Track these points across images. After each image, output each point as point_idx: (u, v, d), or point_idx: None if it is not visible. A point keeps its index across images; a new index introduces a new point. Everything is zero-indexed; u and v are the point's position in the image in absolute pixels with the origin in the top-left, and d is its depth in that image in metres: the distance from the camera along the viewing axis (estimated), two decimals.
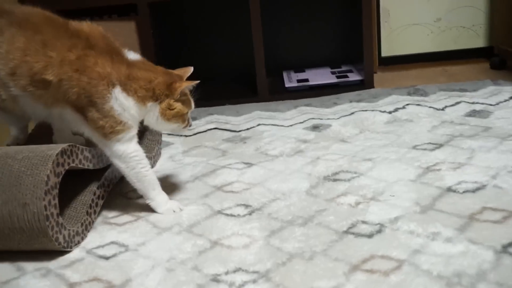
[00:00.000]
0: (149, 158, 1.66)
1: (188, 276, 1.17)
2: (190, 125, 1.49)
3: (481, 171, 1.50)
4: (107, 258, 1.29)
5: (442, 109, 2.08)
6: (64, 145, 1.31)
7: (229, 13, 2.77)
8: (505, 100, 2.11)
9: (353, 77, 2.59)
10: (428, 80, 2.56)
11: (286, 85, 2.58)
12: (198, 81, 1.43)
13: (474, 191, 1.39)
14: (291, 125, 2.10)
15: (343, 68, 2.75)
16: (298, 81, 2.61)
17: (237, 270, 1.17)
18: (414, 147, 1.74)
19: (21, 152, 1.30)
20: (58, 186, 1.28)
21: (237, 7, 2.69)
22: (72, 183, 1.45)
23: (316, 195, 1.48)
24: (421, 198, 1.39)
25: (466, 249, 1.14)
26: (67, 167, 1.31)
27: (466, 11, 2.83)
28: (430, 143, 1.76)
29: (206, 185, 1.63)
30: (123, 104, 1.36)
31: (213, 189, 1.60)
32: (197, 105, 1.51)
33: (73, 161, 1.35)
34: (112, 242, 1.35)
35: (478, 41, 2.87)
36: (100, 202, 1.50)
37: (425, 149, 1.71)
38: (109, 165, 1.54)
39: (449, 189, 1.42)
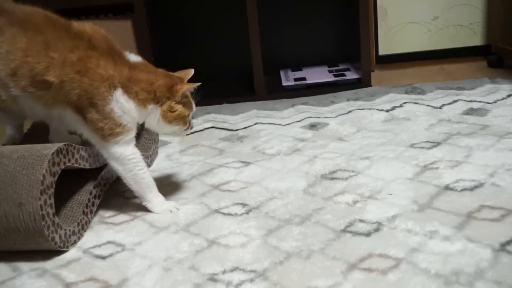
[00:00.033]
0: (146, 157, 1.66)
1: (185, 275, 1.16)
2: (192, 127, 1.49)
3: (479, 169, 1.49)
4: (103, 257, 1.28)
5: (440, 108, 2.08)
6: (60, 144, 1.31)
7: (226, 12, 2.77)
8: (503, 98, 2.10)
9: (351, 75, 2.59)
10: (425, 79, 2.56)
11: (284, 84, 2.58)
12: (199, 83, 1.43)
13: (472, 189, 1.39)
14: (288, 124, 2.10)
15: (341, 67, 2.74)
16: (296, 79, 2.61)
17: (234, 269, 1.17)
18: (412, 146, 1.74)
19: (17, 152, 1.29)
20: (54, 186, 1.27)
21: (234, 6, 2.68)
22: (68, 183, 1.44)
23: (314, 193, 1.48)
24: (419, 197, 1.38)
25: (464, 248, 1.14)
26: (63, 167, 1.31)
27: (464, 9, 2.82)
28: (427, 141, 1.76)
29: (203, 184, 1.62)
30: (123, 106, 1.36)
31: (210, 188, 1.59)
32: (195, 105, 1.50)
33: (69, 160, 1.34)
34: (109, 242, 1.35)
35: (476, 39, 2.87)
36: (97, 201, 1.49)
37: (422, 148, 1.71)
38: (105, 164, 1.53)
39: (447, 188, 1.41)
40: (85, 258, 1.29)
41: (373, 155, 1.69)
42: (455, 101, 2.12)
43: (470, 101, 2.11)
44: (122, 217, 1.47)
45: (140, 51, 2.37)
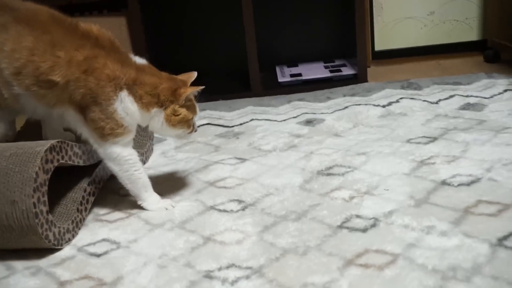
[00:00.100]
0: (141, 154, 1.65)
1: (181, 272, 1.16)
2: (195, 131, 1.48)
3: (476, 164, 1.49)
4: (98, 255, 1.27)
5: (436, 103, 2.07)
6: (53, 141, 1.30)
7: (221, 8, 2.75)
8: (499, 93, 2.10)
9: (347, 71, 2.58)
10: (421, 74, 2.55)
11: (279, 80, 2.57)
12: (202, 87, 1.43)
13: (468, 184, 1.38)
14: (284, 120, 2.09)
15: (337, 63, 2.74)
16: (291, 75, 2.60)
17: (230, 266, 1.16)
18: (408, 141, 1.73)
19: (9, 149, 1.27)
20: (47, 183, 1.26)
21: (229, 2, 2.67)
22: (62, 180, 1.43)
23: (310, 189, 1.47)
24: (416, 192, 1.38)
25: (461, 243, 1.13)
26: (56, 164, 1.29)
27: (459, 5, 2.82)
28: (424, 136, 1.75)
29: (198, 181, 1.61)
30: (127, 108, 1.35)
31: (205, 185, 1.58)
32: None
33: (63, 157, 1.33)
34: (104, 239, 1.34)
35: (472, 34, 2.87)
36: (91, 199, 1.48)
37: (419, 143, 1.70)
38: (100, 162, 1.52)
39: (444, 183, 1.41)
40: (80, 256, 1.28)
41: (370, 150, 1.68)
42: (451, 96, 2.12)
43: (467, 96, 2.11)
44: (117, 214, 1.46)
45: (134, 48, 2.36)
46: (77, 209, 1.40)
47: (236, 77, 2.71)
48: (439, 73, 2.55)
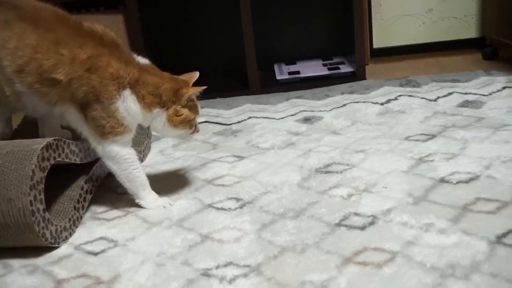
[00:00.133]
0: (138, 152, 1.64)
1: (178, 271, 1.15)
2: (198, 131, 1.48)
3: (474, 161, 1.48)
4: (95, 253, 1.26)
5: (435, 100, 2.07)
6: (50, 139, 1.29)
7: (219, 6, 2.74)
8: (498, 90, 2.09)
9: (345, 68, 2.57)
10: (420, 71, 2.55)
11: (278, 78, 2.56)
12: (204, 87, 1.42)
13: (467, 181, 1.38)
14: (282, 118, 2.08)
15: (335, 60, 2.73)
16: (290, 73, 2.59)
17: (228, 264, 1.15)
18: (407, 138, 1.72)
19: (6, 147, 1.27)
20: (44, 181, 1.25)
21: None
22: (59, 178, 1.43)
23: (308, 187, 1.47)
24: (414, 189, 1.37)
25: (459, 240, 1.13)
26: (53, 162, 1.29)
27: (458, 2, 2.81)
28: (422, 134, 1.75)
29: (196, 179, 1.61)
30: (129, 107, 1.35)
31: (203, 183, 1.58)
32: None
33: (59, 155, 1.32)
34: (101, 238, 1.33)
35: (470, 31, 2.86)
36: (88, 197, 1.48)
37: (417, 140, 1.70)
38: (97, 159, 1.51)
39: (442, 180, 1.40)
40: (77, 254, 1.27)
41: (368, 148, 1.68)
42: (450, 94, 2.11)
43: (465, 93, 2.10)
44: (114, 212, 1.46)
45: (132, 46, 2.35)
46: (74, 207, 1.39)
47: (234, 75, 2.71)
48: (438, 71, 2.55)
